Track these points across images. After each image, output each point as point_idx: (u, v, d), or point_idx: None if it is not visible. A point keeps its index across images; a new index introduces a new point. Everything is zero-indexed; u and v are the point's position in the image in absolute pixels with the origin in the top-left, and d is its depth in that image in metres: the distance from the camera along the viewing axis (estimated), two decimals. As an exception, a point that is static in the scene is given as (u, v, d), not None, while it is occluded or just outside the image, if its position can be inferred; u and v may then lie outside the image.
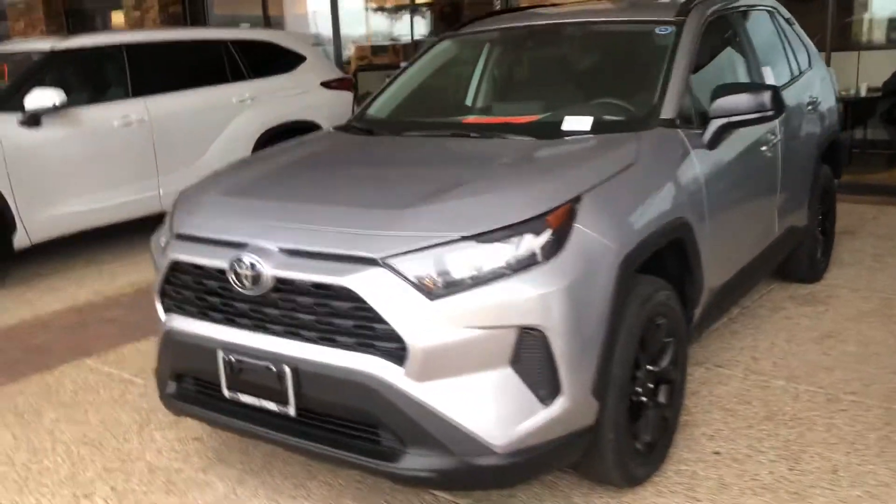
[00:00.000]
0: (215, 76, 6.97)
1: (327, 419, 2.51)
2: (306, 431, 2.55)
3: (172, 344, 2.84)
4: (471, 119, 3.63)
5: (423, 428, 2.34)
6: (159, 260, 2.89)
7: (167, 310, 2.87)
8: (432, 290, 2.31)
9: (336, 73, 7.91)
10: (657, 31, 3.59)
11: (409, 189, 2.70)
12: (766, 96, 3.13)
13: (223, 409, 2.76)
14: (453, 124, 3.57)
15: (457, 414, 2.32)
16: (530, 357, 2.34)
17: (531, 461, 2.41)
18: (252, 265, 2.52)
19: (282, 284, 2.49)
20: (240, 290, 2.56)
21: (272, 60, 7.39)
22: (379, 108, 3.97)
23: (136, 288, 5.52)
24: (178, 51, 6.94)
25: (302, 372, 2.47)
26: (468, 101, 3.95)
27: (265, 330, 2.57)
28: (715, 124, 3.19)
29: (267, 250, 2.53)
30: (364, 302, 2.33)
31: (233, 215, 2.79)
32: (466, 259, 2.33)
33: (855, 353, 3.82)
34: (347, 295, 2.36)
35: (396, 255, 2.35)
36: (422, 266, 2.33)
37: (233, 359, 2.60)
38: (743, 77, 3.86)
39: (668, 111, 3.14)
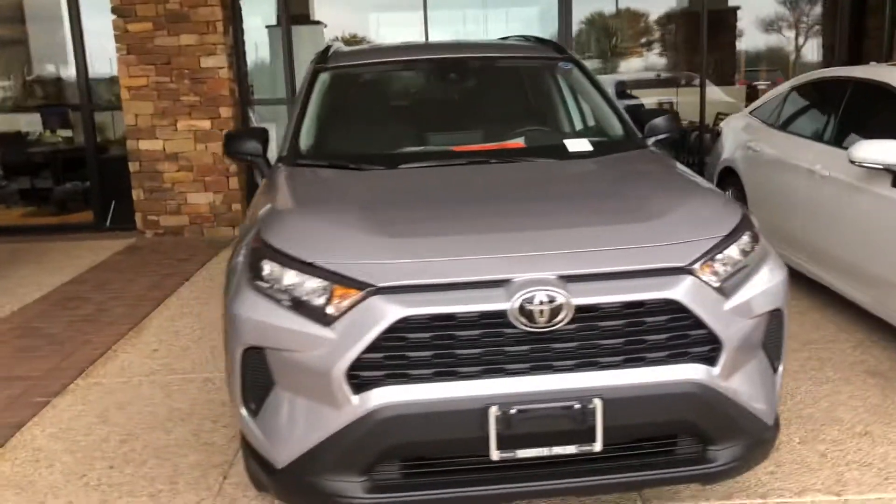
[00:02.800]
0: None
1: (628, 445, 2.43)
2: (609, 466, 2.42)
3: (387, 424, 2.31)
4: (461, 147, 3.56)
5: (733, 421, 2.48)
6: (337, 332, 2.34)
7: (362, 387, 2.32)
8: (724, 290, 2.48)
9: None
10: (561, 66, 4.08)
11: (613, 206, 2.76)
12: (674, 118, 3.91)
13: (460, 481, 2.39)
14: (446, 153, 3.47)
15: (748, 400, 2.52)
16: (771, 336, 2.68)
17: (778, 427, 2.74)
18: (550, 298, 2.29)
19: (582, 312, 2.33)
20: (527, 328, 2.30)
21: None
22: (313, 144, 3.59)
23: None
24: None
25: (609, 402, 2.34)
26: (408, 133, 3.80)
27: (551, 369, 2.35)
28: (651, 140, 3.83)
29: (547, 280, 2.33)
30: (686, 311, 2.37)
31: (463, 253, 2.43)
32: (732, 257, 2.56)
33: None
34: (667, 307, 2.37)
35: (695, 261, 2.45)
36: (712, 268, 2.49)
37: (512, 411, 2.30)
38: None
39: (636, 134, 3.68)
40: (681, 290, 2.38)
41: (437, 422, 2.33)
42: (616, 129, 3.69)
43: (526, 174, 3.25)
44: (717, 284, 2.47)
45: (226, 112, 7.91)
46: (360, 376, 2.33)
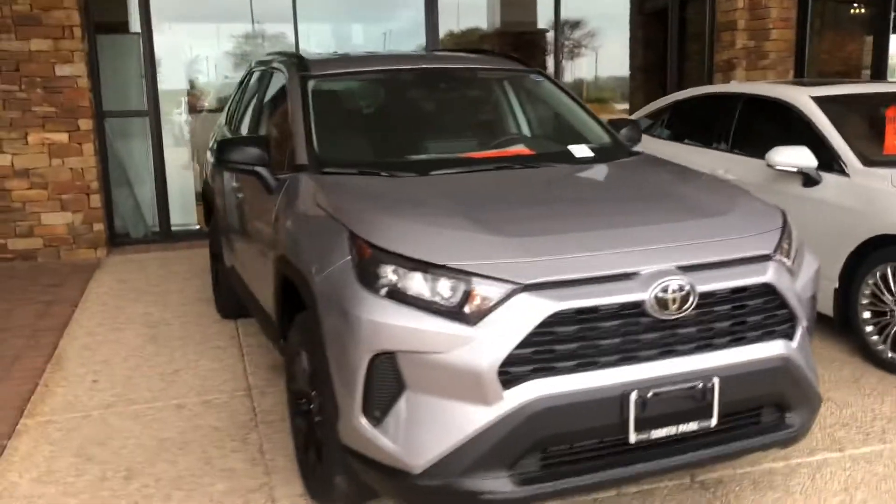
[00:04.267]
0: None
1: (731, 418, 2.67)
2: (720, 439, 2.64)
3: (537, 417, 2.38)
4: (474, 154, 3.62)
5: (805, 389, 2.80)
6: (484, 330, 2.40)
7: (512, 381, 2.38)
8: (794, 273, 2.82)
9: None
10: (533, 77, 4.30)
11: (686, 205, 3.02)
12: (639, 127, 4.28)
13: (599, 465, 2.52)
14: (468, 160, 3.53)
15: (810, 371, 2.86)
16: (812, 315, 3.04)
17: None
18: (681, 287, 2.48)
19: (703, 299, 2.54)
20: (659, 316, 2.48)
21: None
22: (327, 153, 3.51)
23: None
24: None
25: (723, 379, 2.57)
26: (413, 141, 3.79)
27: (675, 353, 2.54)
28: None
29: (672, 270, 2.52)
30: (776, 293, 2.67)
31: (592, 248, 2.57)
32: (790, 246, 2.90)
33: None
34: (763, 291, 2.64)
35: (775, 249, 2.76)
36: (784, 255, 2.81)
37: (648, 395, 2.46)
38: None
39: (622, 141, 3.97)
40: (772, 275, 2.67)
41: (583, 411, 2.44)
42: (603, 136, 3.95)
43: (566, 178, 3.42)
44: (790, 268, 2.79)
45: (85, 124, 7.29)
46: (509, 372, 2.38)
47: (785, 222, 2.97)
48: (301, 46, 8.30)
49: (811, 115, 4.91)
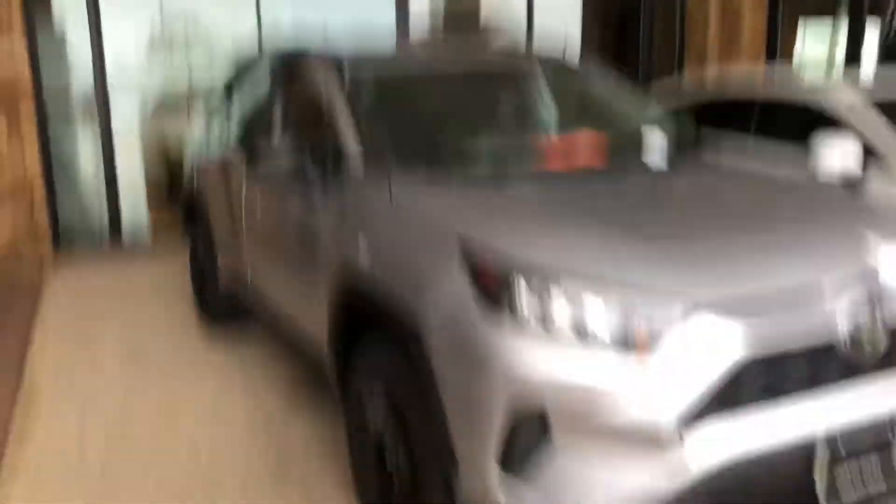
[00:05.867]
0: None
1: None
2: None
3: (725, 470, 1.96)
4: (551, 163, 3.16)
5: None
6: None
7: (689, 428, 1.95)
8: None
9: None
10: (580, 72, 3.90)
11: (816, 220, 2.60)
12: None
13: None
14: (540, 173, 3.05)
15: None
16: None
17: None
18: (878, 317, 2.10)
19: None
20: (852, 351, 2.09)
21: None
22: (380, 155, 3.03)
23: None
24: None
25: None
26: (475, 143, 3.29)
27: (866, 390, 2.15)
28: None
29: (863, 297, 2.13)
30: None
31: (772, 270, 2.15)
32: None
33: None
34: None
35: None
36: None
37: (840, 434, 2.08)
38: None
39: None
40: None
41: (771, 471, 2.03)
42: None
43: (665, 187, 3.01)
44: None
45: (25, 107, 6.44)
46: (689, 417, 1.94)
47: None
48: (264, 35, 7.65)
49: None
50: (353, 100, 3.17)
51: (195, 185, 4.99)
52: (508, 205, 2.53)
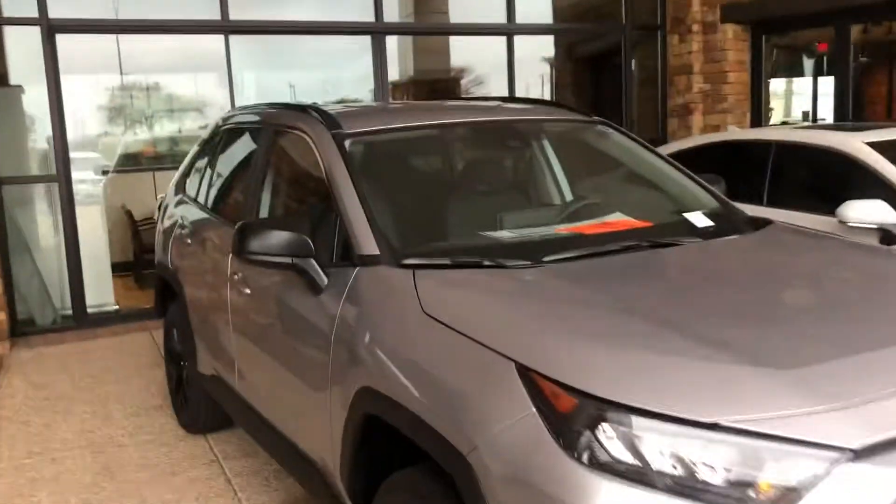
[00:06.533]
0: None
1: None
2: None
3: None
4: (579, 228, 2.79)
5: None
6: None
7: None
8: None
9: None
10: (600, 129, 3.55)
11: None
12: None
13: None
14: (580, 240, 2.69)
15: None
16: None
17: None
18: None
19: None
20: None
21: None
22: (397, 236, 2.62)
23: None
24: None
25: None
26: (495, 214, 2.91)
27: None
28: None
29: None
30: None
31: None
32: None
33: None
34: None
35: None
36: None
37: None
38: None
39: (734, 206, 3.26)
40: None
41: None
42: (708, 199, 3.22)
43: (735, 260, 2.65)
44: None
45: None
46: None
47: None
48: (236, 97, 7.26)
49: (873, 163, 4.40)
50: (357, 171, 2.79)
51: (169, 260, 4.40)
52: (567, 310, 2.14)
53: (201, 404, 4.13)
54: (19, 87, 7.12)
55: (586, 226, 2.84)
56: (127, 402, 4.88)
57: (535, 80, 11.12)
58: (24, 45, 6.53)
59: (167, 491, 3.69)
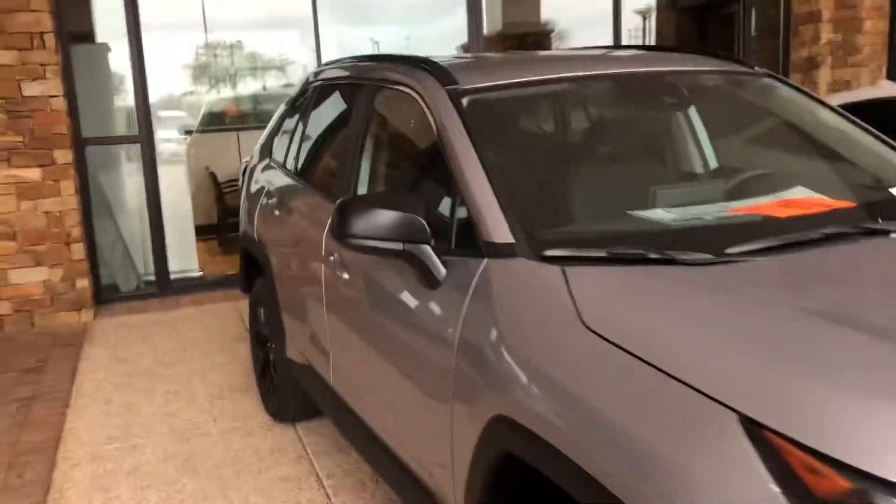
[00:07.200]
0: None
1: None
2: None
3: None
4: (758, 208, 2.22)
5: None
6: None
7: None
8: None
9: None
10: (767, 82, 2.92)
11: None
12: None
13: None
14: (768, 225, 2.12)
15: None
16: None
17: None
18: None
19: None
20: None
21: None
22: (533, 220, 2.09)
23: None
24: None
25: None
26: (638, 188, 2.38)
27: None
28: None
29: None
30: None
31: None
32: None
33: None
34: None
35: None
36: None
37: None
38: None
39: None
40: None
41: None
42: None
43: None
44: None
45: (62, 156, 5.75)
46: None
47: None
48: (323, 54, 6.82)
49: None
50: (479, 136, 2.27)
51: (255, 231, 4.00)
52: (803, 332, 1.55)
53: (290, 393, 3.73)
54: (105, 44, 6.85)
55: (768, 205, 2.25)
56: (211, 382, 4.55)
57: (635, 33, 10.40)
58: (111, 2, 6.22)
59: (253, 491, 3.32)
